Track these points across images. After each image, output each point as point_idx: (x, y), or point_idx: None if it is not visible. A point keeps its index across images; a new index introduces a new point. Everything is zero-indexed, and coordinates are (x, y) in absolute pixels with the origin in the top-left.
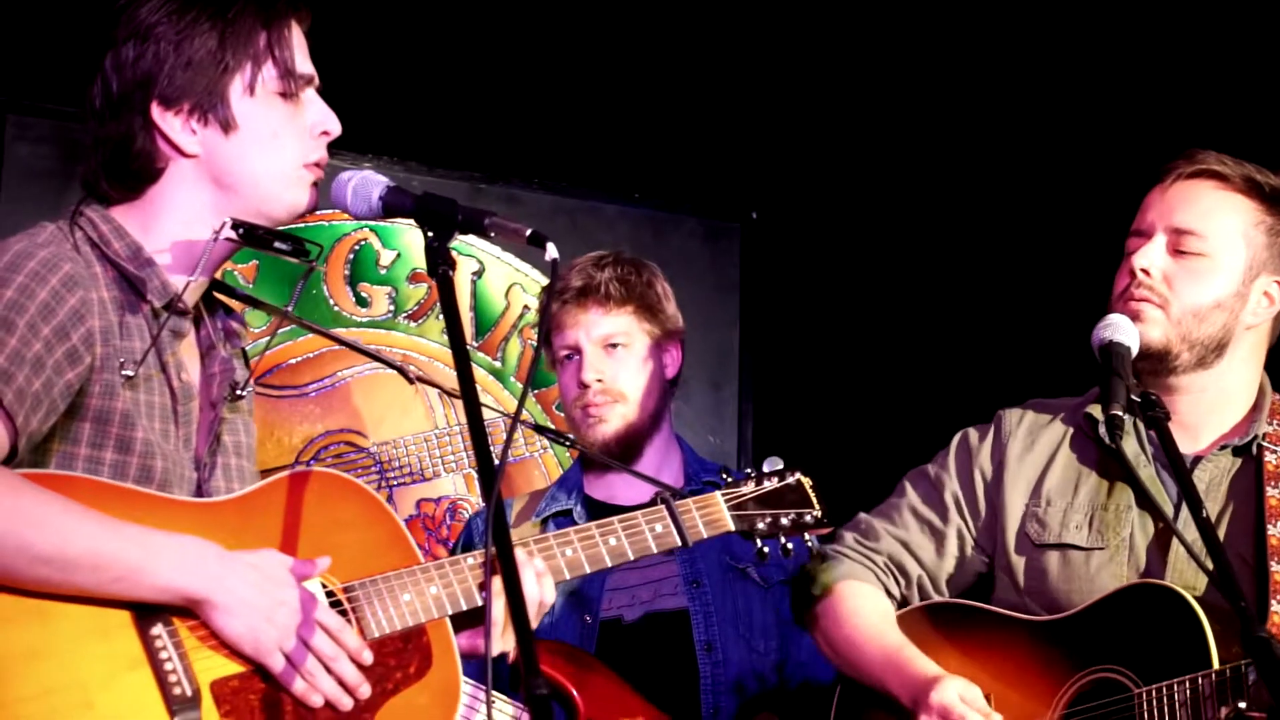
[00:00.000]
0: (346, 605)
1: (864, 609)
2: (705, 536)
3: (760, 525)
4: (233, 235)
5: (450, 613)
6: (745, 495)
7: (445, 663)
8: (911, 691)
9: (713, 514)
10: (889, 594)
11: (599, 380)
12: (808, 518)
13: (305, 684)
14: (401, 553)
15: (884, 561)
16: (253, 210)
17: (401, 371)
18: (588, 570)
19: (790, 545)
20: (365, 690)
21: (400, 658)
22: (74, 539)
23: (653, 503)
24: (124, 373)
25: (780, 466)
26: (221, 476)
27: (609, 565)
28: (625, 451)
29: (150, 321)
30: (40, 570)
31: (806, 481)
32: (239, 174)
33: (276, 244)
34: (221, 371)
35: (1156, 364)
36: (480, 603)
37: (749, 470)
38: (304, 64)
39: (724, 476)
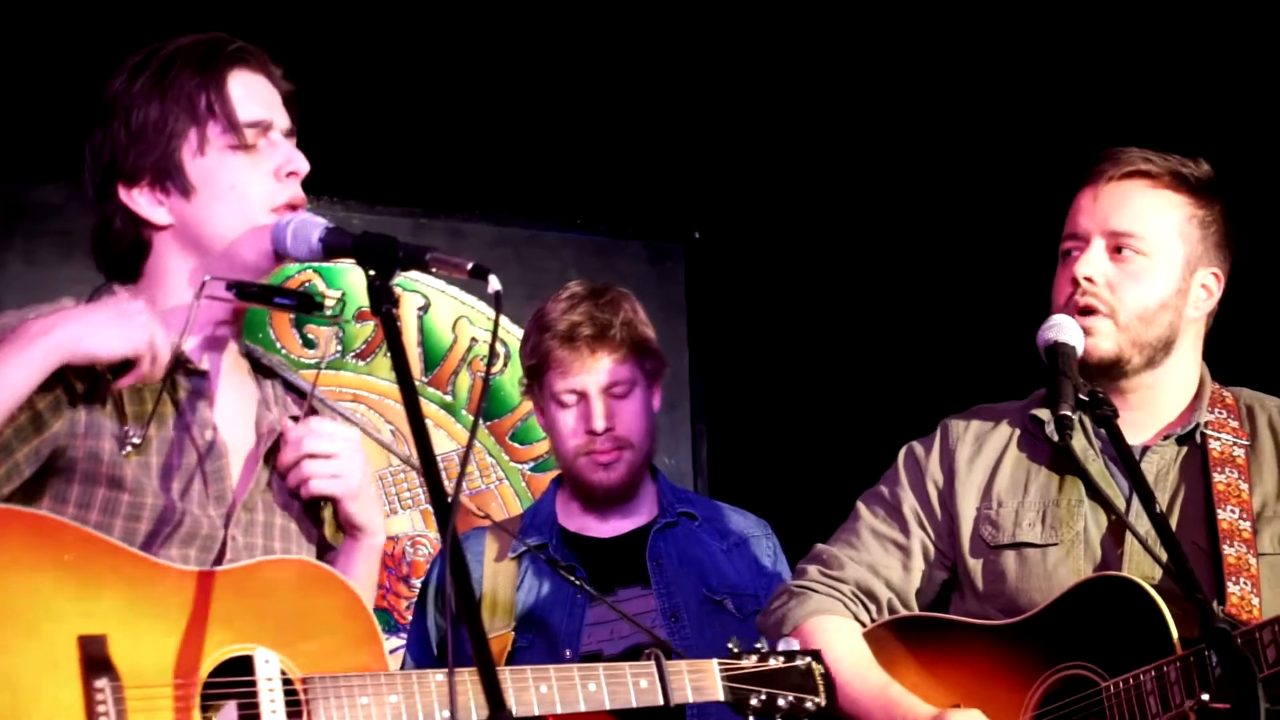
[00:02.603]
0: (302, 696)
1: (838, 645)
2: (690, 701)
3: (754, 701)
4: (224, 295)
5: None
6: (744, 669)
7: None
8: None
9: (704, 681)
10: (859, 623)
11: (610, 429)
12: (809, 704)
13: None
14: (371, 654)
15: (851, 591)
16: (234, 267)
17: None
18: (559, 710)
19: None
20: None
21: None
22: None
23: (642, 655)
24: (132, 440)
25: (795, 647)
26: (261, 534)
27: (582, 709)
28: (626, 494)
29: (163, 385)
30: None
31: (818, 669)
32: (207, 234)
33: (276, 299)
34: (268, 433)
35: (1109, 370)
36: None
37: (759, 644)
38: (253, 111)
39: (730, 646)
